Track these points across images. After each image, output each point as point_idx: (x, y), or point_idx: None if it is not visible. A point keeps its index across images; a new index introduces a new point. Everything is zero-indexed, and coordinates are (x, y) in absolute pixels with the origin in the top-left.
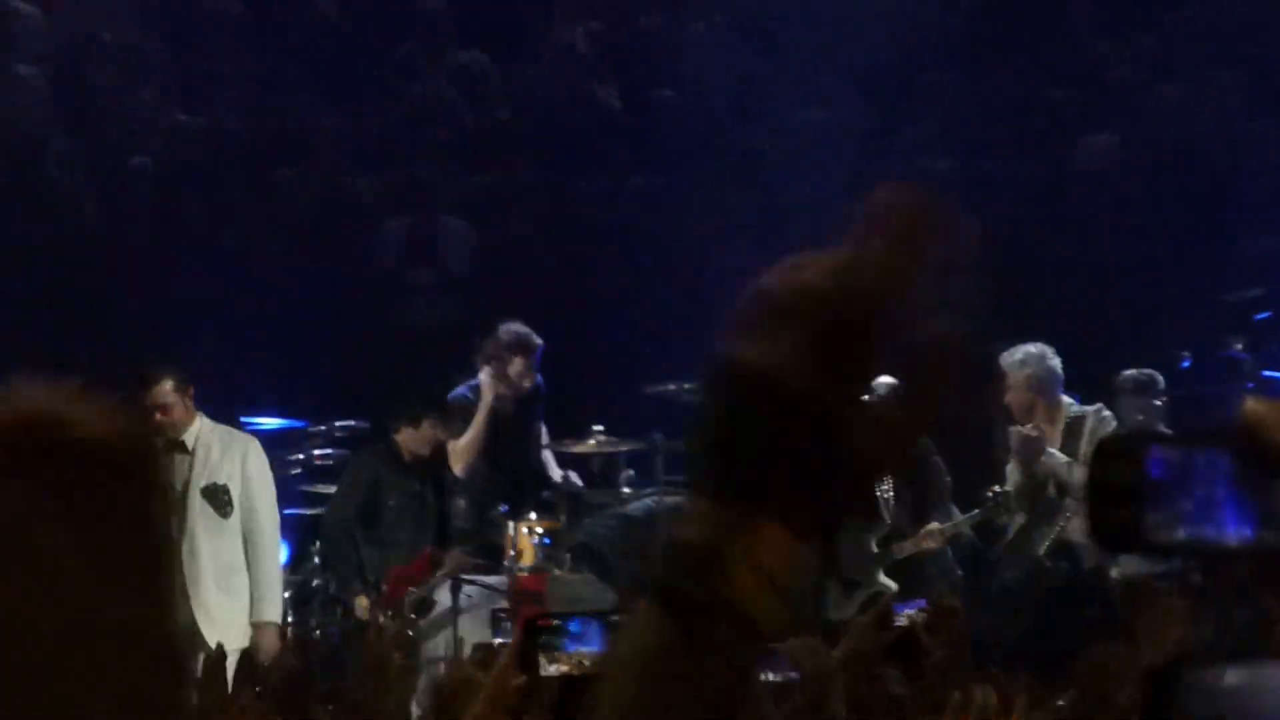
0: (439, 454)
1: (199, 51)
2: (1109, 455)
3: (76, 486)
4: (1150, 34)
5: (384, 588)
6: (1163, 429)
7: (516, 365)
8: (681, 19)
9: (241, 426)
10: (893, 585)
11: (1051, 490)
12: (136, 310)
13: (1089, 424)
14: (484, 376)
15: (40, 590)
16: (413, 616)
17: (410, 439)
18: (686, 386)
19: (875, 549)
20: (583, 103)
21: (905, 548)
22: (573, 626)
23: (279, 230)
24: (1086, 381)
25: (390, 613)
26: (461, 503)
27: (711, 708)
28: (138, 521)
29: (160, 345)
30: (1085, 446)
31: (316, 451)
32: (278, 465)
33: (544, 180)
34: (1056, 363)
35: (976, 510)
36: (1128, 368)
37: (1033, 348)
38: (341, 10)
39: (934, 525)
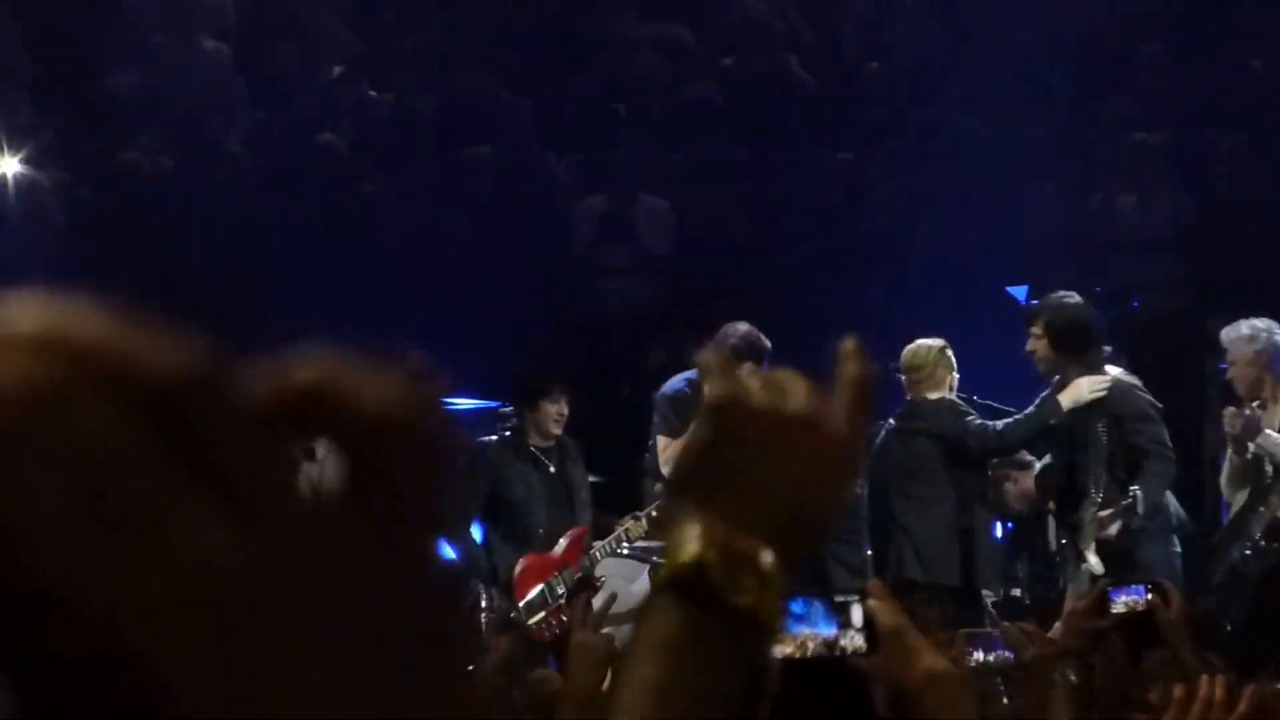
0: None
1: (385, 29)
2: None
3: (363, 460)
4: None
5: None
6: None
7: (745, 371)
8: None
9: None
10: (1098, 566)
11: (1269, 470)
12: (323, 287)
13: None
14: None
15: (328, 567)
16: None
17: (539, 419)
18: (890, 366)
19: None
20: (780, 77)
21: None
22: (796, 607)
23: (471, 209)
24: None
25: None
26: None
27: (732, 693)
28: (422, 497)
29: (349, 324)
30: None
31: (509, 431)
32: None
33: (743, 157)
34: (1277, 339)
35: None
36: None
37: (1260, 322)
38: None
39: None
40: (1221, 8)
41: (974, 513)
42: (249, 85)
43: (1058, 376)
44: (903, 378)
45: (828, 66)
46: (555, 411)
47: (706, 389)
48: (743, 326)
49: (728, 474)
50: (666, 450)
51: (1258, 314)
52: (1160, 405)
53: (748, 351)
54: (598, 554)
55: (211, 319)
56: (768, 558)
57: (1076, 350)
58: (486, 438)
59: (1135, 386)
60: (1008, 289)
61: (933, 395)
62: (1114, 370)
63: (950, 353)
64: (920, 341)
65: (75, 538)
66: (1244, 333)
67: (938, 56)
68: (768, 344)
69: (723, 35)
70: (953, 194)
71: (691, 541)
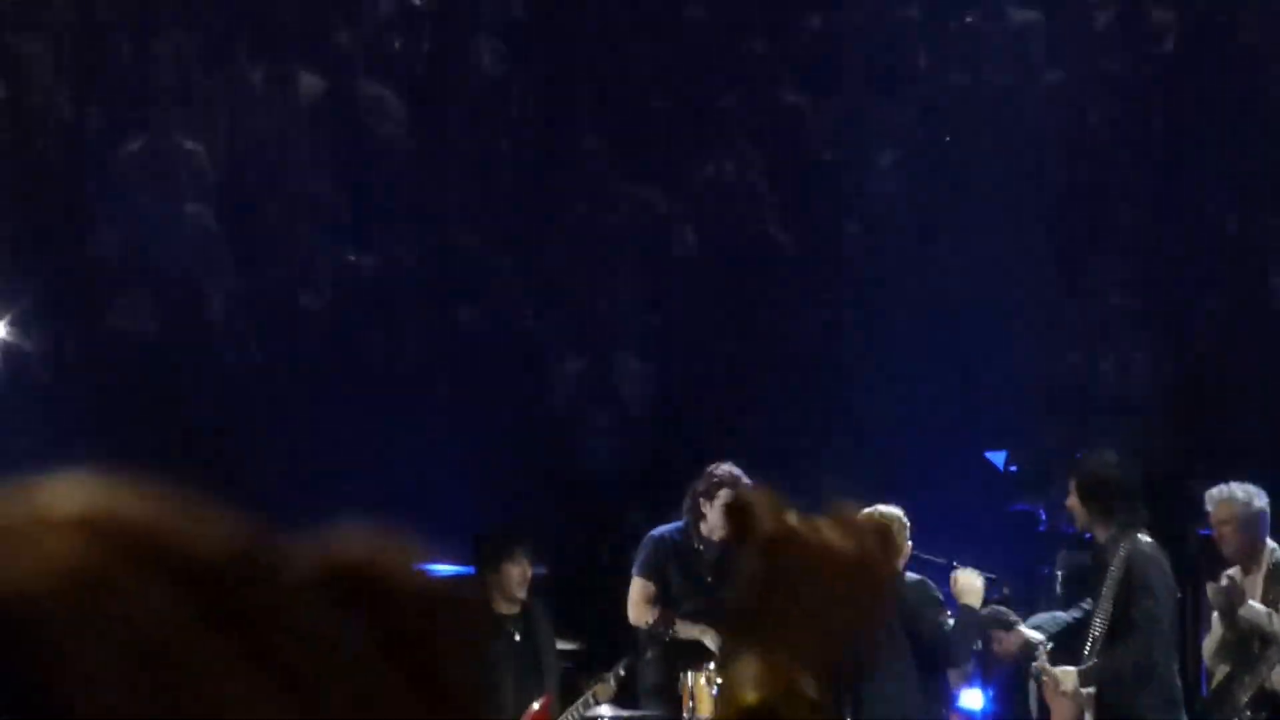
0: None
1: (368, 190)
2: None
3: (404, 629)
4: None
5: None
6: None
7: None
8: (862, 150)
9: None
10: None
11: (1256, 643)
12: (306, 452)
13: None
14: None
15: None
16: None
17: (501, 581)
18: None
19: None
20: (758, 238)
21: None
22: None
23: (454, 371)
24: None
25: None
26: (650, 654)
27: None
28: (461, 662)
29: (334, 488)
30: None
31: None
32: None
33: (720, 317)
34: (1265, 504)
35: None
36: None
37: (1250, 486)
38: (514, 145)
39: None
40: (1197, 168)
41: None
42: (231, 248)
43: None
44: None
45: (805, 227)
46: (518, 574)
47: (755, 526)
48: (726, 465)
49: (784, 612)
50: (636, 592)
51: (1237, 476)
52: (1170, 576)
53: (730, 485)
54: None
55: (227, 486)
56: (822, 694)
57: (1103, 508)
58: None
59: (1150, 557)
60: (986, 454)
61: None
62: (1143, 537)
63: (906, 521)
64: (879, 509)
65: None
66: (1238, 496)
67: (917, 217)
68: (749, 483)
69: (697, 195)
70: (932, 356)
71: (756, 682)
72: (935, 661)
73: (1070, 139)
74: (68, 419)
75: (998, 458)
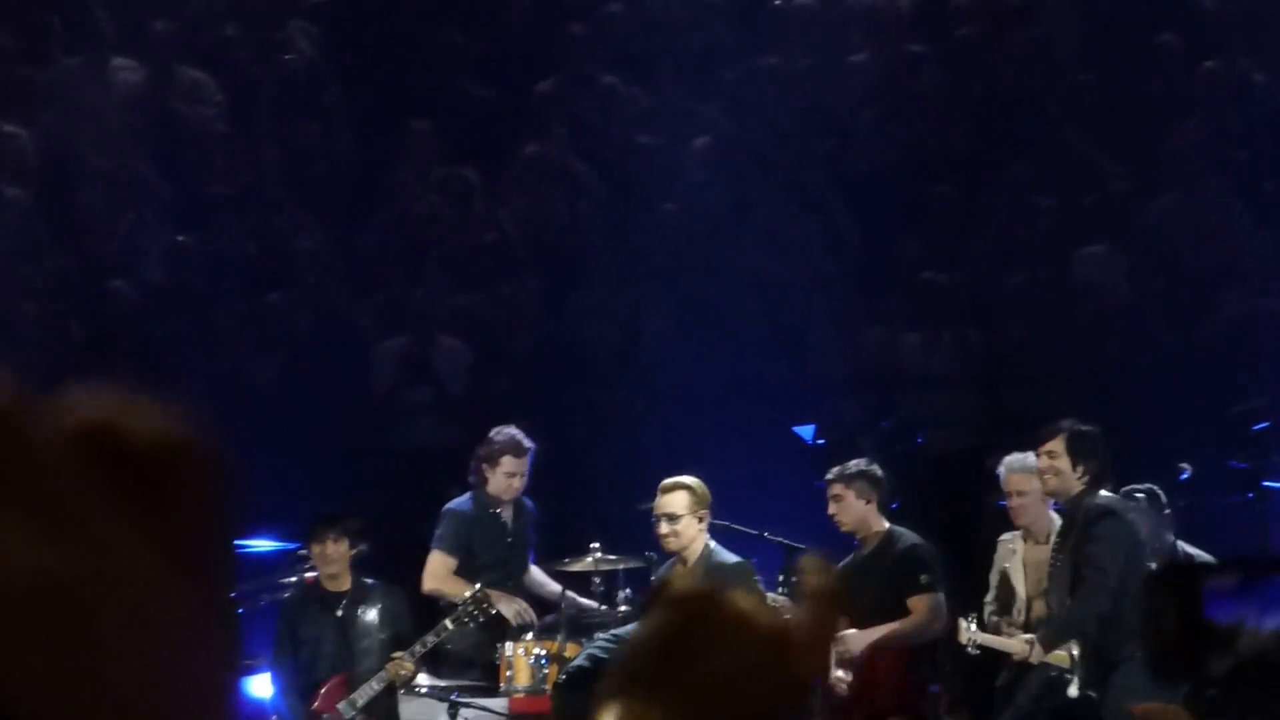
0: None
1: (189, 173)
2: (1163, 593)
3: (137, 493)
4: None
5: None
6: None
7: (507, 464)
8: (675, 131)
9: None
10: None
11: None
12: None
13: None
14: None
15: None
16: None
17: (317, 559)
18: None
19: None
20: (572, 216)
21: None
22: None
23: (276, 352)
24: None
25: None
26: (449, 624)
27: None
28: (196, 526)
29: None
30: None
31: (309, 575)
32: (272, 589)
33: (537, 295)
34: None
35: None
36: (1127, 480)
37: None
38: (324, 129)
39: None
40: (1010, 150)
41: None
42: (49, 230)
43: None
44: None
45: (617, 207)
46: (327, 551)
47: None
48: (509, 429)
49: (677, 669)
50: (437, 564)
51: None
52: (1132, 525)
53: (510, 448)
54: (359, 699)
55: None
56: None
57: (1096, 467)
58: (288, 579)
59: (1105, 509)
60: (794, 429)
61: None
62: (1104, 492)
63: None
64: (682, 479)
65: None
66: (1032, 466)
67: (728, 196)
68: (530, 444)
69: (516, 176)
70: (743, 331)
71: None
72: None
73: (879, 119)
74: None
75: (806, 431)
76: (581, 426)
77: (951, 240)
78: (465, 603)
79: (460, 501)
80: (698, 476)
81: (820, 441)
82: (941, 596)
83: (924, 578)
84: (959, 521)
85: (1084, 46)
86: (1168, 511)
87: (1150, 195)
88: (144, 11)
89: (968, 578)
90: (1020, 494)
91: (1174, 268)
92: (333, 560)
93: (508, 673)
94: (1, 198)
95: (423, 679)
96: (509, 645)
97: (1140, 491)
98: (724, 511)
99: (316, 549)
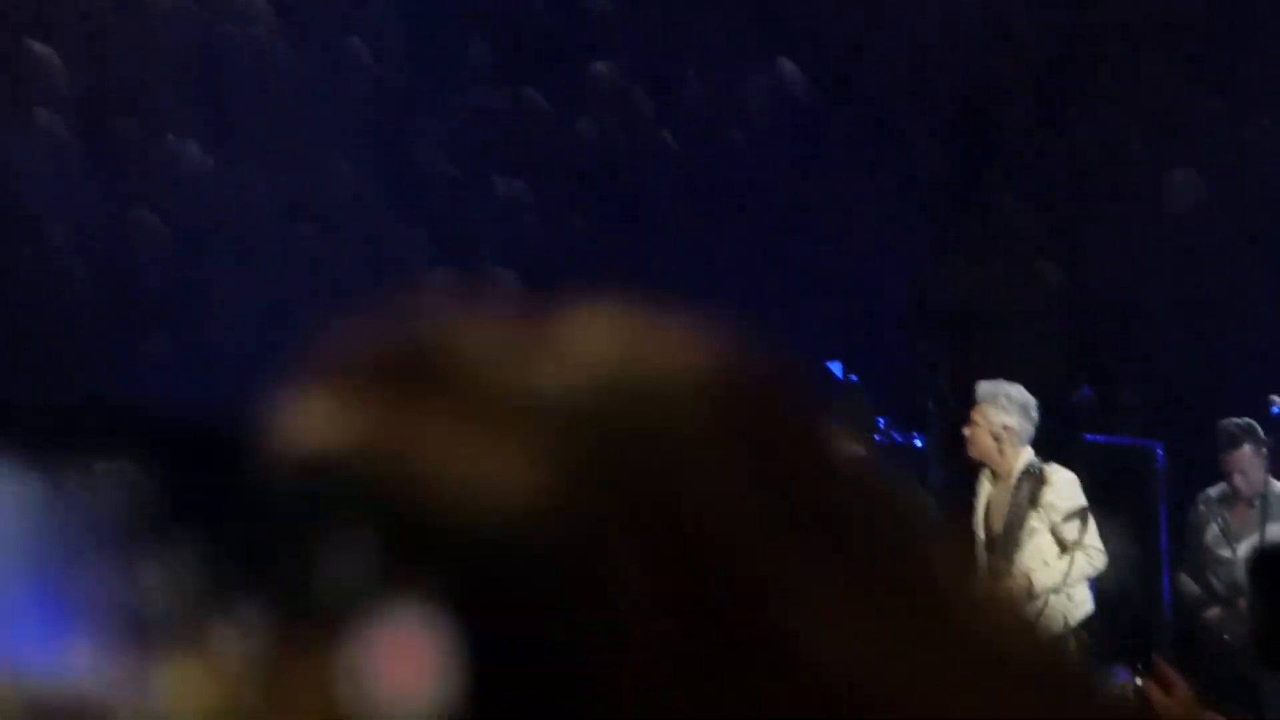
0: None
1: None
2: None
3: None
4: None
5: None
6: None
7: None
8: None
9: None
10: None
11: None
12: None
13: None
14: None
15: None
16: None
17: None
18: None
19: None
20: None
21: None
22: None
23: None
24: (1180, 425)
25: None
26: None
27: None
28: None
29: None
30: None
31: None
32: None
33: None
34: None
35: None
36: (1220, 414)
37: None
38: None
39: None
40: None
41: None
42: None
43: None
44: None
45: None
46: None
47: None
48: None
49: None
50: None
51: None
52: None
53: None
54: None
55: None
56: None
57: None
58: None
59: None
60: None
61: None
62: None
63: None
64: None
65: (745, 500)
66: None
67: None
68: None
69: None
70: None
71: None
72: None
73: (959, 43)
74: None
75: (835, 367)
76: None
77: (1028, 168)
78: None
79: None
80: None
81: (853, 377)
82: None
83: None
84: None
85: None
86: (1265, 449)
87: (1241, 120)
88: None
89: None
90: (975, 423)
91: (1266, 196)
92: None
93: None
94: (32, 122)
95: None
96: None
97: (1237, 425)
98: None
99: None
